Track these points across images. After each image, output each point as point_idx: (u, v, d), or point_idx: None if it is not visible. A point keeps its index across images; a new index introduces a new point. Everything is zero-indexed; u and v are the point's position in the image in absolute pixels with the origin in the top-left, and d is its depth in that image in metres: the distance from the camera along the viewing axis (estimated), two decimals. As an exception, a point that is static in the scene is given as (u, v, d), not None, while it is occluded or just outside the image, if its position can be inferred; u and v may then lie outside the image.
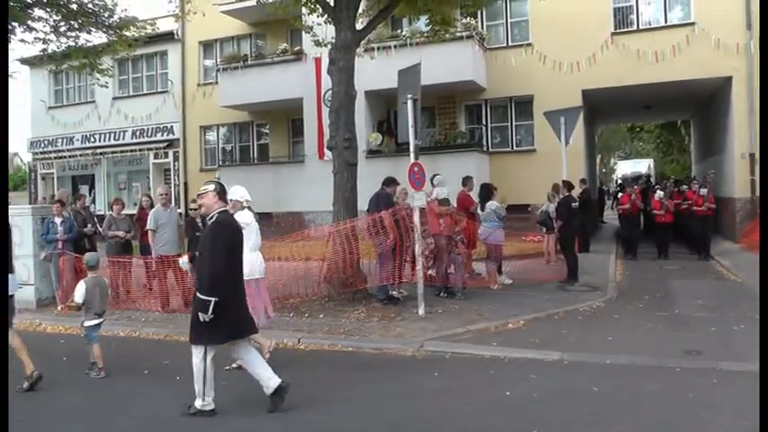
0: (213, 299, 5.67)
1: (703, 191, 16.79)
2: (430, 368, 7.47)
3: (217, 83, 23.58)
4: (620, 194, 20.57)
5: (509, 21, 21.18)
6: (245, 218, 7.41)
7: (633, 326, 9.51)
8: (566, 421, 5.78)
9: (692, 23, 19.01)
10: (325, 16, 12.85)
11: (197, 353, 5.90)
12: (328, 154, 12.68)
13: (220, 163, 24.85)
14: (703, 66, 18.78)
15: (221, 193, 6.10)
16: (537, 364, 7.61)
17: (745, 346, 7.97)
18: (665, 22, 19.87)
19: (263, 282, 7.83)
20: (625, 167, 48.19)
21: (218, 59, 24.37)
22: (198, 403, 5.98)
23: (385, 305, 10.72)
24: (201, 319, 5.72)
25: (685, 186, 18.66)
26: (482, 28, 20.64)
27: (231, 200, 7.37)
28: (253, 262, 7.37)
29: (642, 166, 46.72)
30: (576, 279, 12.96)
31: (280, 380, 5.99)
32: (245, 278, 6.40)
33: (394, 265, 10.89)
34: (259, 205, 21.50)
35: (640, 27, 20.07)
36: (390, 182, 11.40)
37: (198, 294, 5.82)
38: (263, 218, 21.68)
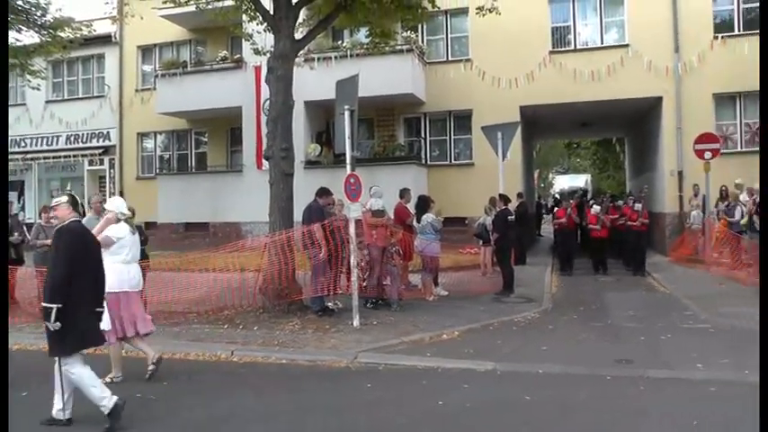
0: (55, 306, 5.61)
1: (638, 206, 16.79)
2: (363, 380, 7.47)
3: (155, 89, 23.16)
4: (556, 209, 20.46)
5: (449, 36, 21.52)
6: (118, 231, 7.24)
7: (567, 336, 9.73)
8: (498, 431, 5.86)
9: (627, 45, 19.75)
10: (265, 24, 12.80)
11: (57, 363, 5.85)
12: (266, 164, 12.56)
13: (157, 171, 24.36)
14: (636, 86, 19.54)
15: (74, 204, 6.15)
16: (470, 374, 7.67)
17: (673, 355, 8.38)
18: (602, 43, 20.56)
19: (135, 295, 7.57)
20: (563, 182, 48.98)
21: (157, 65, 23.93)
22: (54, 412, 5.91)
23: (320, 317, 10.67)
24: (51, 329, 5.66)
25: (621, 201, 18.85)
26: (422, 42, 20.93)
27: (108, 211, 7.32)
28: (120, 273, 7.12)
29: (580, 181, 47.58)
30: (512, 291, 13.17)
31: (116, 398, 5.81)
32: (107, 289, 6.32)
33: (329, 277, 10.87)
34: (196, 215, 21.64)
35: (577, 47, 20.72)
36: (323, 193, 11.37)
37: (41, 302, 5.84)
38: (200, 228, 21.57)
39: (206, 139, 24.54)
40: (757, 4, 19.19)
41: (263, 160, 14.69)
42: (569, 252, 17.73)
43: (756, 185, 13.39)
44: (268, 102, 12.68)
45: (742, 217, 14.93)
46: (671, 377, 7.39)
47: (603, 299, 13.13)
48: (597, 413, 6.27)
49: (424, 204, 12.97)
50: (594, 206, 17.98)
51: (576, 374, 7.58)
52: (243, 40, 15.88)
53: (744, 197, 15.09)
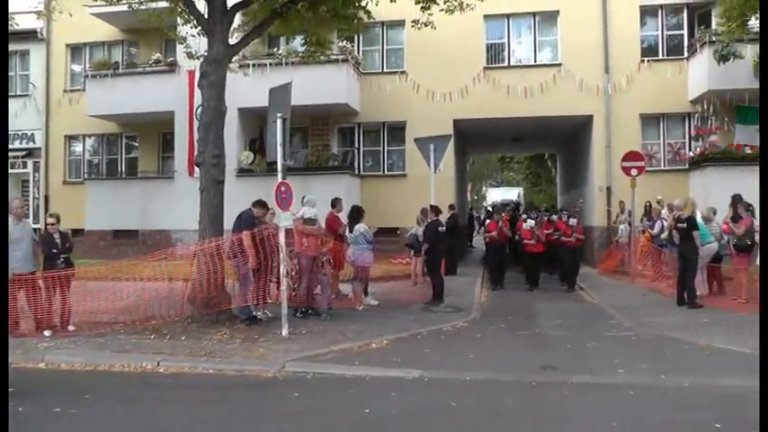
0: None
1: (573, 221, 16.49)
2: (291, 389, 7.42)
3: (85, 90, 22.44)
4: (487, 222, 19.16)
5: (385, 47, 21.70)
6: None
7: (494, 344, 9.90)
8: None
9: (559, 64, 20.48)
10: (199, 28, 12.64)
11: None
12: (198, 170, 12.37)
13: (86, 176, 23.52)
14: (568, 104, 20.27)
15: None
16: (398, 382, 7.71)
17: (597, 361, 8.67)
18: (535, 61, 21.23)
19: None
20: (495, 195, 49.36)
21: (87, 65, 23.18)
22: None
23: (248, 326, 10.55)
24: None
25: (555, 216, 18.49)
26: (358, 53, 21.01)
27: None
28: None
29: (512, 194, 47.98)
30: (442, 300, 13.31)
31: None
32: None
33: (258, 286, 10.80)
34: (125, 222, 21.22)
35: (511, 64, 21.31)
36: (259, 204, 11.29)
37: None
38: (129, 235, 21.08)
39: (137, 144, 23.91)
40: (680, 32, 20.40)
41: (195, 167, 14.50)
42: (500, 266, 17.12)
43: (676, 201, 13.92)
44: (201, 107, 12.50)
45: (662, 231, 15.45)
46: (594, 382, 7.66)
47: (531, 309, 13.39)
48: (522, 418, 6.40)
49: (356, 214, 12.98)
50: (529, 220, 17.77)
51: (503, 381, 7.74)
52: (177, 43, 15.64)
53: (665, 213, 15.62)
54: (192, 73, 19.51)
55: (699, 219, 13.36)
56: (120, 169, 23.95)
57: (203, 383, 7.78)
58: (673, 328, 10.74)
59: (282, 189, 10.02)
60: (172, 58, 21.01)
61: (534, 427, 6.13)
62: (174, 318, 10.86)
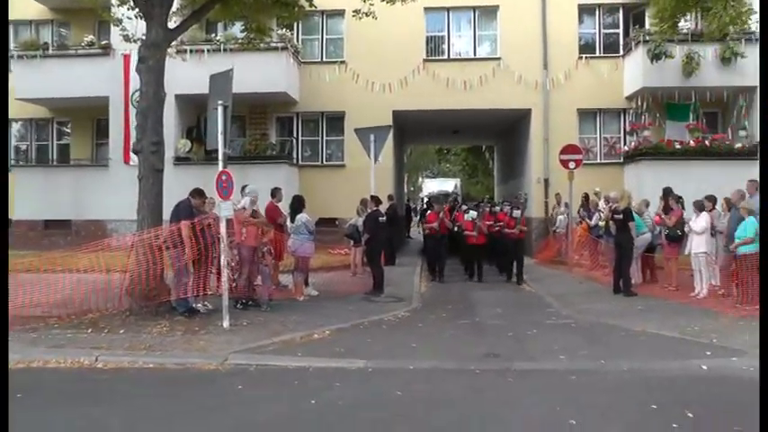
0: None
1: (516, 213, 16.24)
2: (235, 381, 7.29)
3: (11, 71, 21.48)
4: (427, 212, 18.99)
5: (325, 37, 21.58)
6: None
7: (436, 333, 9.96)
8: (369, 426, 5.89)
9: (498, 58, 20.84)
10: (136, 10, 12.26)
11: None
12: (134, 158, 12.02)
13: (13, 162, 22.48)
14: (507, 98, 20.66)
15: None
16: (342, 372, 7.69)
17: (537, 348, 8.89)
18: (474, 54, 21.55)
19: None
20: (432, 186, 49.39)
21: (13, 44, 21.96)
22: None
23: (189, 318, 10.32)
24: None
25: (497, 208, 18.37)
26: (297, 41, 20.80)
27: None
28: None
29: (449, 185, 47.42)
30: (382, 290, 13.35)
31: None
32: None
33: (198, 277, 10.61)
34: (57, 211, 20.55)
35: (451, 57, 21.54)
36: (197, 194, 11.02)
37: None
38: (61, 225, 20.40)
39: (69, 130, 23.14)
40: (616, 31, 21.03)
41: (132, 154, 14.09)
42: (440, 258, 16.70)
43: (612, 194, 14.30)
44: (138, 93, 12.12)
45: (599, 221, 15.82)
46: (536, 369, 7.86)
47: (471, 298, 13.53)
48: (467, 405, 6.47)
49: (298, 204, 12.87)
50: (471, 211, 17.41)
51: (447, 369, 7.82)
52: (112, 25, 15.11)
53: (602, 204, 16.00)
54: (127, 57, 18.92)
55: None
56: (51, 156, 23.13)
57: (144, 378, 7.57)
58: (610, 315, 11.11)
59: (223, 178, 9.83)
60: (106, 41, 20.29)
61: (480, 414, 6.19)
62: (111, 311, 10.56)
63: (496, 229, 16.82)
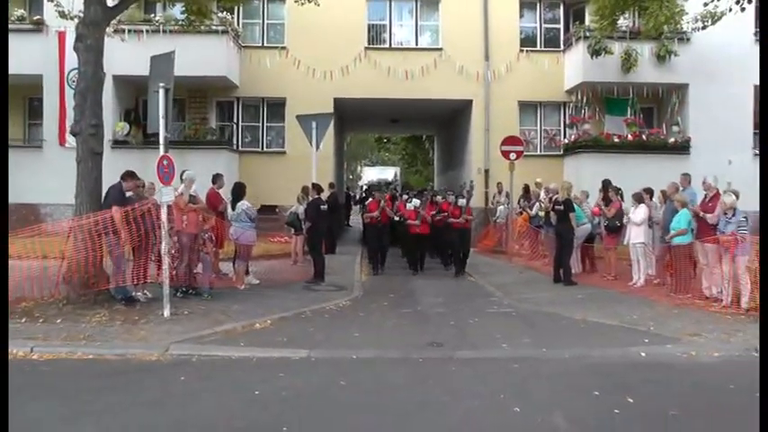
0: None
1: (462, 201, 15.88)
2: (177, 372, 7.15)
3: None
4: (369, 200, 18.05)
5: (266, 22, 21.24)
6: None
7: (379, 322, 10.00)
8: (314, 416, 5.85)
9: (440, 49, 20.91)
10: (73, -14, 11.81)
11: None
12: (71, 140, 11.62)
13: (-65, 143, 21.63)
14: (448, 88, 20.75)
15: None
16: (285, 362, 7.65)
17: (480, 337, 9.04)
18: (416, 44, 21.58)
19: None
20: (372, 174, 49.16)
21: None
22: None
23: (128, 307, 10.05)
24: None
25: (440, 197, 17.44)
26: (238, 25, 20.41)
27: None
28: None
29: (389, 173, 47.74)
30: (323, 279, 13.31)
31: None
32: None
33: (138, 265, 10.36)
34: (-16, 194, 19.41)
35: (392, 46, 21.49)
36: (128, 176, 10.67)
37: None
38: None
39: (-1, 109, 22.17)
40: (557, 26, 21.45)
41: (69, 136, 13.60)
42: (381, 248, 16.06)
43: (552, 185, 14.55)
44: (75, 72, 11.67)
45: (539, 212, 16.07)
46: (479, 357, 7.96)
47: (412, 287, 13.58)
48: (410, 393, 6.51)
49: (239, 191, 12.65)
50: (414, 200, 16.55)
51: (390, 358, 7.86)
52: (45, 0, 14.50)
53: (542, 195, 16.25)
54: (62, 34, 18.18)
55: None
56: (-22, 136, 22.09)
57: (83, 370, 7.32)
58: (550, 304, 11.36)
59: (165, 163, 9.62)
60: (38, 17, 19.29)
61: (424, 403, 6.22)
62: (47, 299, 10.17)
63: (439, 218, 16.03)
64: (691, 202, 11.91)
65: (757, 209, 10.29)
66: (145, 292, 10.89)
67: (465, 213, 15.57)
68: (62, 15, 13.07)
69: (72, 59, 11.81)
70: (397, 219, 16.72)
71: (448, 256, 16.52)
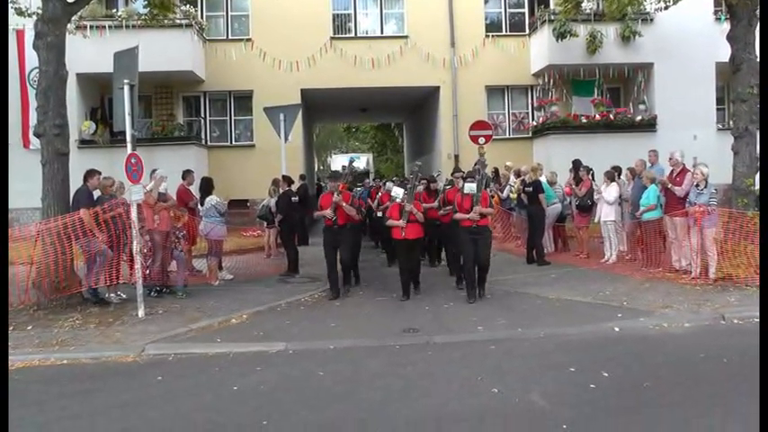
0: None
1: (470, 186, 10.68)
2: (154, 372, 7.10)
3: None
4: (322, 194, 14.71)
5: (230, 14, 21.09)
6: None
7: (354, 312, 10.00)
8: (294, 407, 5.83)
9: (406, 36, 21.01)
10: (29, -19, 11.53)
11: None
12: (35, 142, 11.41)
13: None
14: (415, 75, 20.92)
15: None
16: (262, 356, 7.63)
17: (456, 321, 9.07)
18: (381, 33, 21.63)
19: None
20: (341, 161, 48.76)
21: None
22: None
23: (101, 309, 9.96)
24: None
25: (441, 184, 14.78)
26: (202, 18, 20.26)
27: None
28: None
29: (360, 162, 47.60)
30: (297, 271, 13.27)
31: None
32: None
33: (110, 265, 10.23)
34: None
35: (358, 35, 21.51)
36: (90, 174, 10.54)
37: None
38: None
39: (-45, 112, 21.74)
40: (521, 10, 21.61)
41: (32, 138, 13.35)
42: (348, 262, 11.47)
43: (523, 167, 14.65)
44: (36, 71, 11.44)
45: (510, 194, 16.13)
46: (456, 341, 8.01)
47: (386, 274, 13.46)
48: (389, 380, 6.53)
49: (207, 186, 12.57)
50: (395, 189, 11.14)
51: (367, 347, 7.87)
52: (-1, -4, 14.15)
53: (512, 178, 16.32)
54: (20, 32, 17.70)
55: (544, 182, 14.13)
56: (-65, 141, 21.63)
57: (58, 376, 7.20)
58: (524, 285, 11.45)
59: (133, 161, 9.51)
60: (-6, 15, 19.05)
61: (403, 388, 6.25)
62: (17, 305, 9.98)
63: (443, 214, 11.77)
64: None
65: (721, 182, 10.48)
66: (118, 293, 10.78)
67: (479, 203, 10.20)
68: (19, 13, 12.69)
69: (32, 58, 11.55)
70: (380, 215, 13.87)
71: (459, 269, 11.49)
